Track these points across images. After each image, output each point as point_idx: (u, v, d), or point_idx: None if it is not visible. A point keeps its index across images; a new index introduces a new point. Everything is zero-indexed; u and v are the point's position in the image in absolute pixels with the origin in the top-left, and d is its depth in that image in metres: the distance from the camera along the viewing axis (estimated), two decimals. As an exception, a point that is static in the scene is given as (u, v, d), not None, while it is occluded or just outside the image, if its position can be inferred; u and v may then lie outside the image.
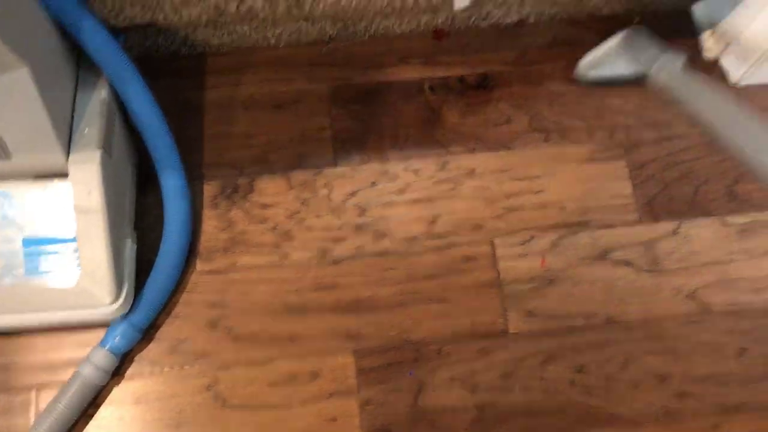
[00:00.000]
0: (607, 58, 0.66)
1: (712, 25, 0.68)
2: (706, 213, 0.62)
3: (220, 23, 0.58)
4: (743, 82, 0.66)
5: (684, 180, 0.63)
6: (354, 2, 0.61)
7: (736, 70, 0.66)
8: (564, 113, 0.65)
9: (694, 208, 0.62)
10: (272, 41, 0.65)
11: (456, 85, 0.66)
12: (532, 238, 0.61)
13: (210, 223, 0.60)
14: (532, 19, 0.69)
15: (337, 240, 0.60)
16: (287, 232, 0.60)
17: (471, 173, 0.63)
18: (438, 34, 0.68)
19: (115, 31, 0.58)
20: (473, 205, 0.62)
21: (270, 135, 0.64)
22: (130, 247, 0.55)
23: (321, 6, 0.59)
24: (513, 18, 0.68)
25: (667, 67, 0.65)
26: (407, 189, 0.62)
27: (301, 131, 0.64)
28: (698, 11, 0.70)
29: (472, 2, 0.63)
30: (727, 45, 0.66)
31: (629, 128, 0.65)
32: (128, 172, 0.58)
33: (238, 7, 0.55)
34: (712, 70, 0.68)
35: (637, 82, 0.66)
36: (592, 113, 0.66)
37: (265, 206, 0.61)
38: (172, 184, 0.56)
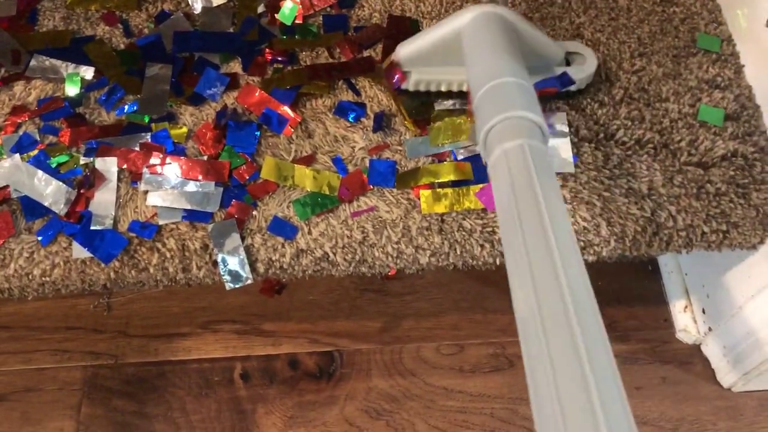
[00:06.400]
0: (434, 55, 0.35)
1: (689, 292, 0.44)
2: None
3: None
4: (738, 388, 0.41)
5: None
6: None
7: (727, 371, 0.41)
8: None
9: None
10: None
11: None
12: None
13: None
14: None
15: None
16: None
17: None
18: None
19: None
20: None
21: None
22: None
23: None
24: None
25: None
26: None
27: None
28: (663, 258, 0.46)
29: None
30: (711, 329, 0.41)
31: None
32: None
33: None
34: (690, 361, 0.43)
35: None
36: None
37: None
38: None
